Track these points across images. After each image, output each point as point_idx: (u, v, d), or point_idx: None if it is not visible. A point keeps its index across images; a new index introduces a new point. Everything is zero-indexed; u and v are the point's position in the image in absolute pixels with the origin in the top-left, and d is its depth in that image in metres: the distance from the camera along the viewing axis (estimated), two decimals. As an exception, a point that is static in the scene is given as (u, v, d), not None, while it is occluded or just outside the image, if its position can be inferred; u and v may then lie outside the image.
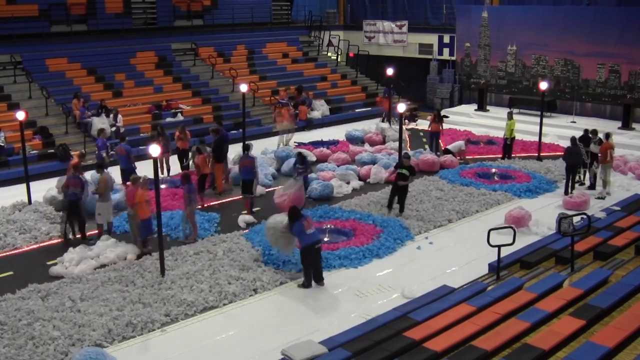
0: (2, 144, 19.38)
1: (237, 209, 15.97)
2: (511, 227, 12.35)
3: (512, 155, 20.66)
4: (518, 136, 21.56)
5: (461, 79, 30.03)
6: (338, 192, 17.25)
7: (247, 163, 15.73)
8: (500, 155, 20.81)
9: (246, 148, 16.48)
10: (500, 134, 23.15)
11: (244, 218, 15.19)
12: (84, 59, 24.89)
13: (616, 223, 13.72)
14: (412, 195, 16.67)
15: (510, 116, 20.51)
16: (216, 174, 17.29)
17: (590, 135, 17.76)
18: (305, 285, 11.86)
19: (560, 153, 21.26)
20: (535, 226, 14.40)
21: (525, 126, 23.47)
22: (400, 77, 27.50)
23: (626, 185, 17.67)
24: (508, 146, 20.62)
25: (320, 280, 11.93)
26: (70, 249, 13.12)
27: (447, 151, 20.55)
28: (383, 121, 24.62)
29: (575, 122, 24.85)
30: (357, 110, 27.99)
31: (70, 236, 14.10)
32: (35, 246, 13.90)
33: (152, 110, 23.70)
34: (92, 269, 12.50)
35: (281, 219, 12.35)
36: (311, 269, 11.86)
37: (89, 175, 16.14)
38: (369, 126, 24.16)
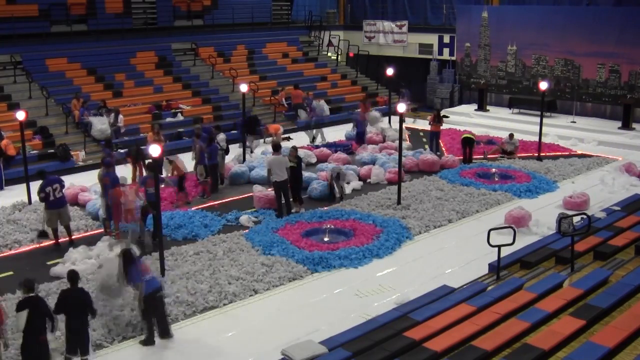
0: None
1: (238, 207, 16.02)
2: (511, 227, 12.34)
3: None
4: (518, 136, 21.56)
5: (461, 79, 30.03)
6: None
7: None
8: (500, 155, 20.82)
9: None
10: (500, 133, 23.23)
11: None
12: (84, 59, 24.88)
13: (616, 223, 13.72)
14: (412, 195, 16.68)
15: None
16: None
17: None
18: (147, 341, 10.01)
19: (560, 153, 21.29)
20: (535, 226, 14.39)
21: (525, 126, 23.47)
22: (400, 77, 27.47)
23: (626, 185, 17.66)
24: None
25: (165, 335, 10.08)
26: (71, 249, 13.11)
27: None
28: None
29: (575, 122, 24.85)
30: (357, 110, 27.88)
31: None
32: (35, 246, 13.89)
33: (152, 110, 23.69)
34: (92, 269, 12.50)
35: (107, 271, 10.62)
36: (153, 322, 10.02)
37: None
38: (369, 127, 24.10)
